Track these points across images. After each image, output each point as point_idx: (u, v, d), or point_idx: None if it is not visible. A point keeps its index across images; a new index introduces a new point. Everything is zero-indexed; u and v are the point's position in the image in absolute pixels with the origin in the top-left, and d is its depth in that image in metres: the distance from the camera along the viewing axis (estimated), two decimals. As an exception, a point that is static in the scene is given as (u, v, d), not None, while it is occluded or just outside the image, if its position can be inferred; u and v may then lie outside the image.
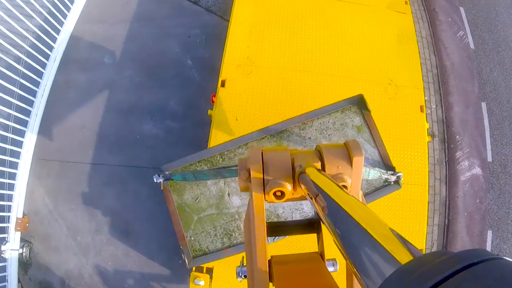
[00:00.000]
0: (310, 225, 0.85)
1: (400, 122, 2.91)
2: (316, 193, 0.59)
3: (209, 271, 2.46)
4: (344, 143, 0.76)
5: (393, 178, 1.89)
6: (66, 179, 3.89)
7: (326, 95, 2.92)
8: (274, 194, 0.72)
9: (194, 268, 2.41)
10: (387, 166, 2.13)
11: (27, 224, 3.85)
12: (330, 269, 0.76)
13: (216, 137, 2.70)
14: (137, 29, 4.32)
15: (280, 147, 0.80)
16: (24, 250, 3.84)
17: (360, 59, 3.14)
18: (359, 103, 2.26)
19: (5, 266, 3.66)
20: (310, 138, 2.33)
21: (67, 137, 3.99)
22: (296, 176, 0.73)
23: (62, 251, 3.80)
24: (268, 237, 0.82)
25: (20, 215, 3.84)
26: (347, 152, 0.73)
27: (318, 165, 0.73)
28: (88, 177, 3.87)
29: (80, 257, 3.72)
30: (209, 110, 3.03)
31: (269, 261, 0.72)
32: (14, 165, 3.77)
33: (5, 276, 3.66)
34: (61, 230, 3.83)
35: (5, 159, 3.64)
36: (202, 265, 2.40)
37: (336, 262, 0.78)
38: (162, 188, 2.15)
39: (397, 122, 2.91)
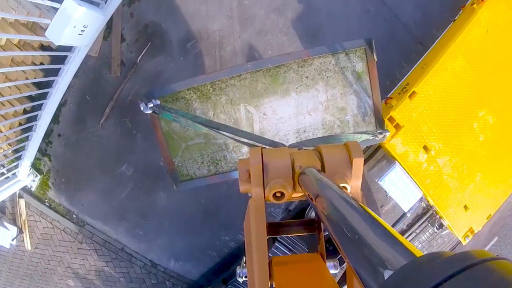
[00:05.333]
0: (310, 225, 0.87)
1: None
2: (316, 194, 0.59)
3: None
4: (344, 144, 0.75)
5: (380, 136, 1.95)
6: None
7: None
8: (274, 194, 0.73)
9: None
10: (378, 118, 2.14)
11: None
12: (331, 270, 0.79)
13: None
14: None
15: (280, 148, 0.76)
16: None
17: None
18: (367, 48, 2.07)
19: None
20: (307, 77, 2.20)
21: None
22: (296, 176, 0.73)
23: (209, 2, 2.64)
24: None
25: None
26: (347, 153, 0.73)
27: (318, 165, 0.73)
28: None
29: (234, 24, 2.65)
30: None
31: (270, 262, 0.75)
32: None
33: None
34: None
35: None
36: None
37: (337, 263, 0.81)
38: (149, 115, 2.08)
39: None
